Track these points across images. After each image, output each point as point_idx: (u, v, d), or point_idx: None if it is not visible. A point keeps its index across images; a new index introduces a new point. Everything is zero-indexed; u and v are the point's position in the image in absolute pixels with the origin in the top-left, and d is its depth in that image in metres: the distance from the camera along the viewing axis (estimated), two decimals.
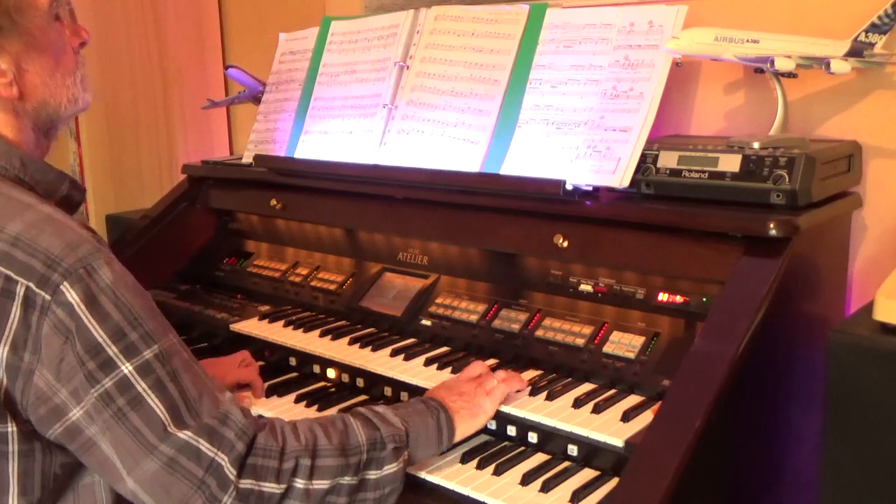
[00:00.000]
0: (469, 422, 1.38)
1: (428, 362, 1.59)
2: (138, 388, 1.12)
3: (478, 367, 1.50)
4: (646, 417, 1.33)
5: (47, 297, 1.09)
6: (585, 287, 1.58)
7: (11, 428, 1.13)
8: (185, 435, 1.13)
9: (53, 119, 1.33)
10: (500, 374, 1.46)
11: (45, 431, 1.14)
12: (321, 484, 1.20)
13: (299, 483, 1.19)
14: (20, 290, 1.09)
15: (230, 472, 1.14)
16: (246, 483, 1.15)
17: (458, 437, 1.37)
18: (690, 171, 1.47)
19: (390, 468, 1.26)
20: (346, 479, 1.22)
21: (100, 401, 1.11)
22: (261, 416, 1.25)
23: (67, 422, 1.12)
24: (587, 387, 1.46)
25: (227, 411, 1.18)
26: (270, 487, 1.17)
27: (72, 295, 1.10)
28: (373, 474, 1.25)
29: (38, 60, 1.27)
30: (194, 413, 1.15)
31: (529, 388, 1.46)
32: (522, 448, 1.43)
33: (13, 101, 1.26)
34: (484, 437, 1.47)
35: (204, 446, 1.13)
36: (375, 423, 1.28)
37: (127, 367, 1.12)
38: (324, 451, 1.22)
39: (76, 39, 1.35)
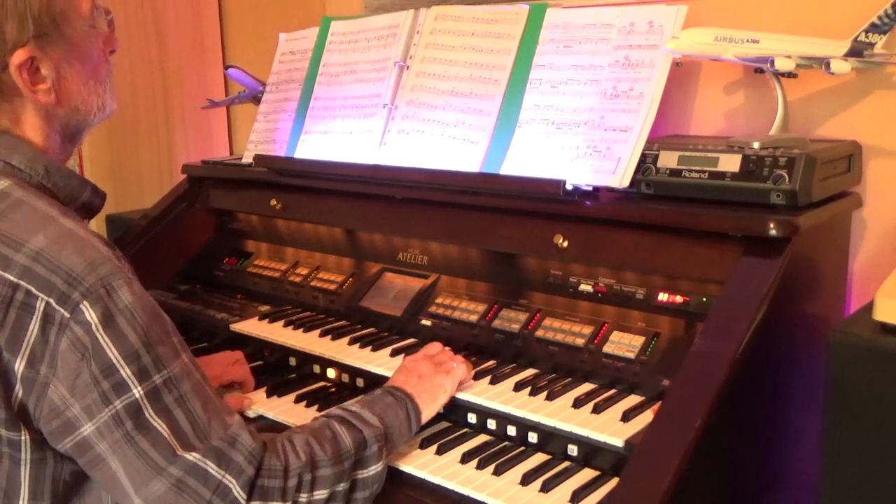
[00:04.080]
0: (430, 405, 1.43)
1: None
2: (146, 413, 1.13)
3: (435, 346, 1.56)
4: (646, 417, 1.33)
5: (66, 314, 1.10)
6: (585, 287, 1.58)
7: (25, 437, 1.14)
8: (193, 457, 1.14)
9: (82, 125, 1.34)
10: (458, 357, 1.52)
11: (56, 444, 1.15)
12: (321, 494, 1.24)
13: (303, 497, 1.22)
14: (40, 306, 1.10)
15: (240, 495, 1.16)
16: None
17: (423, 421, 1.42)
18: (690, 171, 1.47)
19: (376, 467, 1.31)
20: (342, 486, 1.26)
21: (112, 420, 1.12)
22: (260, 432, 1.26)
23: (78, 437, 1.13)
24: (587, 387, 1.46)
25: (236, 434, 1.19)
26: None
27: (90, 314, 1.10)
28: (361, 474, 1.29)
29: (76, 67, 1.29)
30: (202, 436, 1.16)
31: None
32: (522, 448, 1.43)
33: (49, 106, 1.27)
34: (484, 437, 1.47)
35: (212, 468, 1.15)
36: (357, 426, 1.32)
37: (138, 391, 1.12)
38: (321, 462, 1.25)
39: (108, 47, 1.37)
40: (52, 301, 1.10)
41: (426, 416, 1.42)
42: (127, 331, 1.12)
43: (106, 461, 1.13)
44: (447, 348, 1.56)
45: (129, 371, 1.12)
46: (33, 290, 1.10)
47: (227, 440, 1.17)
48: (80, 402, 1.11)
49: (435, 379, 1.44)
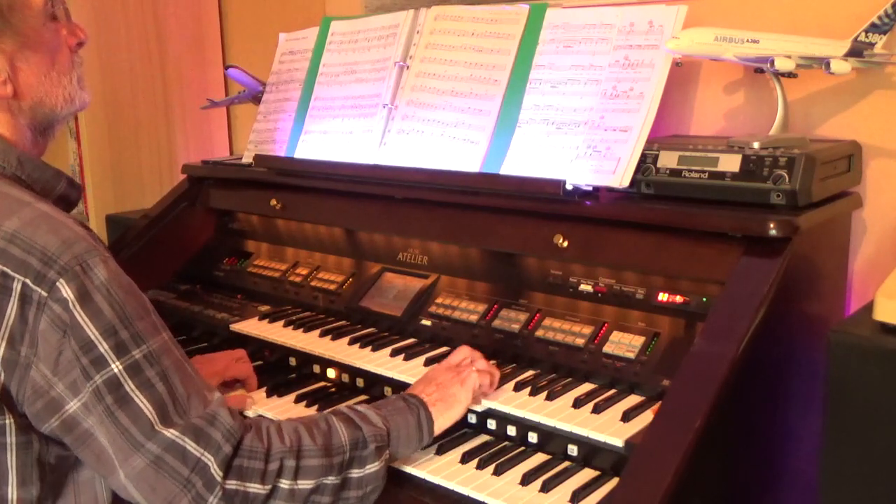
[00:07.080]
0: (445, 414, 1.39)
1: (428, 362, 1.59)
2: (126, 387, 1.14)
3: (461, 353, 1.50)
4: (646, 417, 1.33)
5: (44, 293, 1.11)
6: (585, 287, 1.58)
7: (8, 420, 1.14)
8: (171, 434, 1.14)
9: (50, 118, 1.34)
10: (481, 362, 1.47)
11: (41, 426, 1.15)
12: (305, 484, 1.22)
13: (284, 483, 1.21)
14: (17, 286, 1.10)
15: (216, 472, 1.16)
16: (231, 484, 1.17)
17: (437, 431, 1.38)
18: (690, 171, 1.47)
19: (372, 467, 1.28)
20: (330, 479, 1.24)
21: (94, 395, 1.13)
22: (245, 417, 1.26)
23: (65, 414, 1.13)
24: (587, 387, 1.46)
25: (216, 412, 1.19)
26: (255, 488, 1.19)
27: (67, 291, 1.11)
28: (355, 473, 1.27)
29: (32, 59, 1.28)
30: (182, 412, 1.16)
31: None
32: (522, 448, 1.43)
33: (7, 99, 1.27)
34: (484, 437, 1.47)
35: (190, 446, 1.15)
36: (357, 423, 1.30)
37: (116, 366, 1.13)
38: (308, 451, 1.23)
39: (73, 39, 1.36)
40: (28, 281, 1.11)
41: (440, 425, 1.38)
42: (103, 307, 1.13)
43: (94, 436, 1.14)
44: (476, 353, 1.50)
45: (106, 346, 1.13)
46: (9, 271, 1.11)
47: (206, 418, 1.17)
48: (63, 379, 1.12)
49: (451, 388, 1.40)
